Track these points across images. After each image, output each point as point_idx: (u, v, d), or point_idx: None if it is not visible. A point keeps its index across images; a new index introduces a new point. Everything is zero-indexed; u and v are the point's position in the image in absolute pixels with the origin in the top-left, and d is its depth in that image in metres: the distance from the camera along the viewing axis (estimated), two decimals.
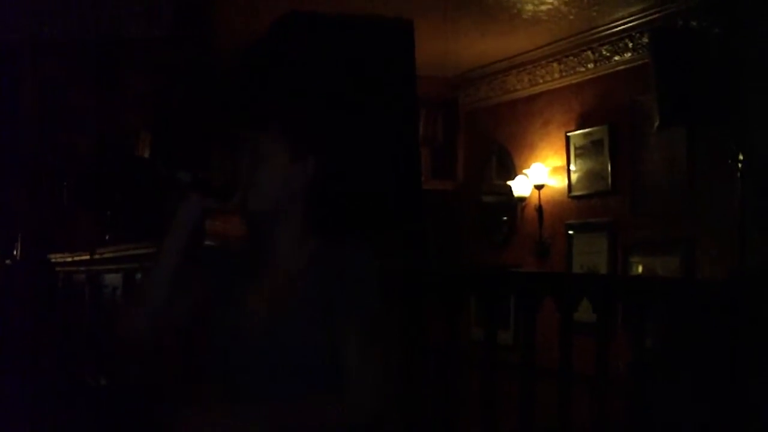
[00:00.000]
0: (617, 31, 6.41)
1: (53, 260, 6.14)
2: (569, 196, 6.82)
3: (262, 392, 1.93)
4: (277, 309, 1.96)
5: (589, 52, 6.72)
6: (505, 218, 7.48)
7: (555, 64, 7.08)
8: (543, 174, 6.98)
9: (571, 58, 6.90)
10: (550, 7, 6.20)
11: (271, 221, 2.00)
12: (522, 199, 7.16)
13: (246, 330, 1.96)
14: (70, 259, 5.90)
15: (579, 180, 6.74)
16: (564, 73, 7.00)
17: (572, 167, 6.79)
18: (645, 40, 6.08)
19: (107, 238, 5.60)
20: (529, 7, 6.22)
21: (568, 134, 6.85)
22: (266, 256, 2.02)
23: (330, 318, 1.94)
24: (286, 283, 1.99)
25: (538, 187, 6.99)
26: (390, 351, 2.09)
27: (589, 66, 6.76)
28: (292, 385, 1.93)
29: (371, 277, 2.01)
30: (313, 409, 1.92)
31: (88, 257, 5.50)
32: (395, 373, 3.84)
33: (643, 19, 6.14)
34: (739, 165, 5.26)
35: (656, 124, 5.46)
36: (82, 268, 5.72)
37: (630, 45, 6.37)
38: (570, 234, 6.77)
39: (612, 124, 6.47)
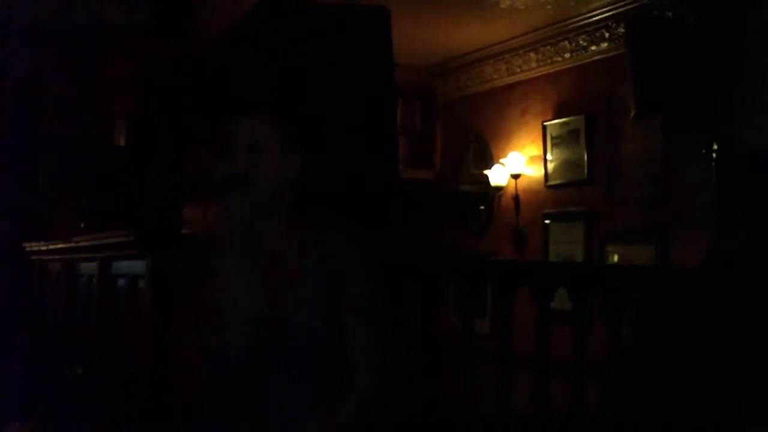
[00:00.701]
0: (594, 21, 6.43)
1: (28, 249, 6.10)
2: (546, 186, 6.84)
3: (259, 379, 1.94)
4: (272, 296, 1.97)
5: (566, 42, 6.74)
6: (482, 207, 7.50)
7: (532, 54, 7.09)
8: (520, 163, 7.00)
9: (548, 47, 6.91)
10: None
11: (264, 209, 1.99)
12: (499, 188, 7.18)
13: (238, 319, 1.96)
14: (45, 248, 5.86)
15: (555, 169, 6.76)
16: (541, 63, 7.02)
17: (549, 156, 6.81)
18: (621, 30, 6.10)
19: (83, 226, 5.56)
20: None
21: (545, 124, 6.87)
22: (255, 243, 2.02)
23: (327, 303, 1.95)
24: (279, 270, 2.00)
25: (515, 177, 7.01)
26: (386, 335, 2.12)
27: (566, 56, 6.77)
28: (290, 368, 1.94)
29: (364, 262, 2.04)
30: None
31: (63, 245, 5.46)
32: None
33: (620, 9, 6.17)
34: (714, 154, 5.30)
35: (632, 113, 5.48)
36: (58, 257, 5.68)
37: (606, 35, 6.39)
38: (546, 223, 6.79)
39: (588, 114, 6.50)
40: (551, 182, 6.79)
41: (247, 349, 1.96)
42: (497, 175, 7.13)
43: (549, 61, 6.94)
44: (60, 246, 5.54)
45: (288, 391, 1.96)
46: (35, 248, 6.02)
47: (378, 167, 4.13)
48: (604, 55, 6.42)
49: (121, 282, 4.73)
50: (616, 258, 6.08)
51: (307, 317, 1.96)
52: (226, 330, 1.97)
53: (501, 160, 7.17)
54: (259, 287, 1.98)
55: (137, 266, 4.40)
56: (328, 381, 2.01)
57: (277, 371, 1.95)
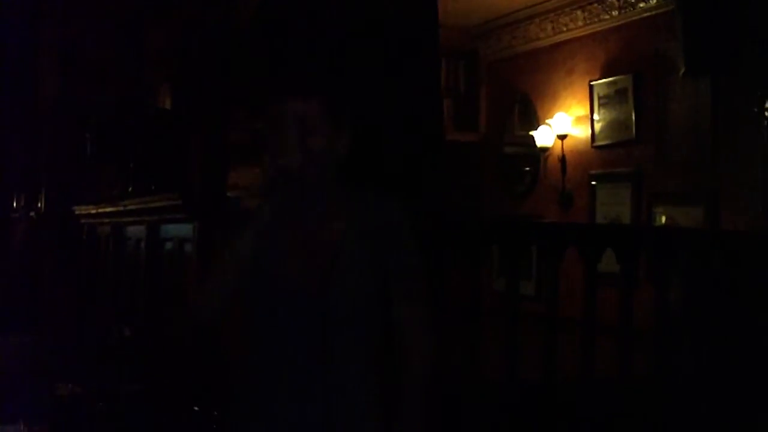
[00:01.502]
0: None
1: (77, 212, 6.18)
2: (592, 146, 6.76)
3: (303, 350, 1.94)
4: (317, 266, 1.96)
5: None
6: (527, 169, 7.44)
7: (579, 12, 6.98)
8: (566, 124, 6.92)
9: (595, 5, 6.80)
10: None
11: (314, 184, 1.98)
12: (545, 150, 7.11)
13: (293, 293, 1.96)
14: (94, 211, 5.93)
15: (602, 130, 6.68)
16: (588, 21, 6.91)
17: (596, 117, 6.73)
18: None
19: (130, 190, 5.62)
20: None
21: (592, 83, 6.77)
22: (304, 217, 2.01)
23: (373, 273, 1.95)
24: (325, 240, 1.99)
25: (561, 137, 6.93)
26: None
27: (613, 13, 6.66)
28: (334, 338, 1.94)
29: (408, 231, 2.03)
30: None
31: (111, 209, 5.52)
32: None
33: None
34: (765, 114, 5.20)
35: (681, 72, 5.39)
36: (106, 220, 5.75)
37: None
38: (593, 184, 6.73)
39: (636, 73, 6.39)
40: (598, 143, 6.71)
41: (290, 319, 1.96)
42: (543, 137, 7.06)
43: (596, 19, 6.83)
44: (108, 209, 5.61)
45: (333, 362, 1.95)
46: (84, 212, 6.10)
47: (422, 130, 4.11)
48: (653, 12, 6.29)
49: (169, 245, 4.78)
50: (663, 219, 6.01)
51: (353, 288, 1.95)
52: (270, 299, 1.97)
53: (547, 121, 7.10)
54: (304, 258, 1.97)
55: (184, 229, 4.45)
56: (375, 353, 2.00)
57: (320, 342, 1.94)
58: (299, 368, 1.95)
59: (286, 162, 1.93)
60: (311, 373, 1.95)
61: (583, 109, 6.87)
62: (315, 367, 1.95)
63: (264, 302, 1.99)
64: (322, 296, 1.95)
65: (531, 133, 7.19)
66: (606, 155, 6.65)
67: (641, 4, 6.41)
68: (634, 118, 6.38)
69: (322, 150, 1.97)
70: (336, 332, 1.94)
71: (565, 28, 7.15)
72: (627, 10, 6.53)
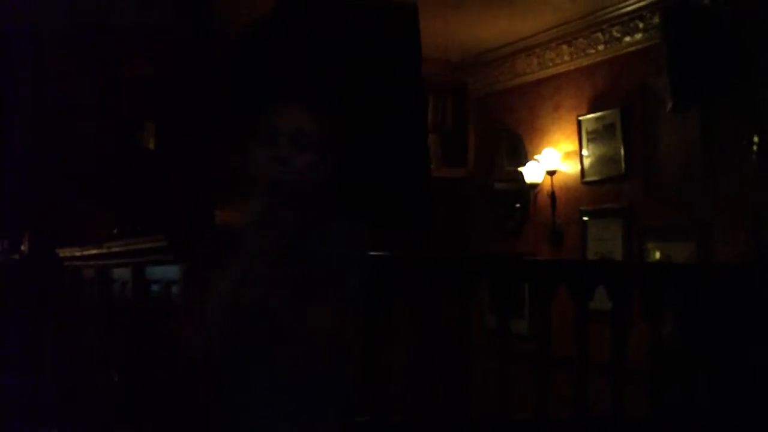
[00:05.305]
0: (628, 11, 6.31)
1: (61, 255, 6.10)
2: (582, 182, 6.73)
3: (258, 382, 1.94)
4: (278, 293, 1.93)
5: (600, 34, 6.62)
6: (517, 205, 7.40)
7: (564, 47, 6.98)
8: (555, 159, 6.90)
9: (581, 40, 6.80)
10: None
11: (292, 208, 1.95)
12: (534, 186, 7.08)
13: (243, 317, 1.94)
14: (78, 254, 5.85)
15: (592, 165, 6.65)
16: (574, 56, 6.91)
17: (585, 152, 6.70)
18: (656, 20, 5.98)
19: (115, 232, 5.56)
20: None
21: (580, 118, 6.76)
22: (275, 240, 1.96)
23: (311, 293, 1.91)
24: (292, 267, 1.95)
25: (551, 173, 6.90)
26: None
27: (599, 48, 6.66)
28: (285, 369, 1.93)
29: (355, 260, 2.00)
30: None
31: (96, 251, 5.45)
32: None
33: None
34: (754, 147, 5.18)
35: (669, 106, 5.37)
36: (91, 263, 5.68)
37: (641, 25, 6.27)
38: (584, 220, 6.68)
39: (624, 107, 6.38)
40: (588, 178, 6.68)
41: (245, 347, 1.95)
42: (532, 172, 7.02)
43: (582, 54, 6.83)
44: (93, 252, 5.54)
45: (285, 391, 1.95)
46: (68, 254, 6.02)
47: (408, 166, 4.07)
48: (639, 47, 6.29)
49: (155, 287, 4.71)
50: (657, 255, 5.96)
51: (305, 317, 1.91)
52: (231, 327, 1.94)
53: (536, 157, 7.07)
54: (269, 284, 1.94)
55: (171, 271, 4.38)
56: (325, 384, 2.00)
57: (272, 372, 1.94)
58: (267, 393, 1.96)
59: (277, 174, 1.92)
60: (279, 400, 1.95)
61: (571, 145, 6.84)
62: (283, 392, 1.95)
63: (234, 327, 1.96)
64: (290, 320, 1.92)
65: (520, 169, 7.15)
66: (596, 191, 6.62)
67: (627, 38, 6.41)
68: (623, 152, 6.35)
69: (311, 168, 1.97)
70: (302, 361, 1.94)
71: (551, 63, 7.15)
72: (613, 44, 6.53)
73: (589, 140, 6.67)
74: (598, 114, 6.60)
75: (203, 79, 4.56)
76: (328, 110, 2.08)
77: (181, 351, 2.04)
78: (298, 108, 2.01)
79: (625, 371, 3.94)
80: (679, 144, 5.93)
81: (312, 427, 1.97)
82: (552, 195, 6.89)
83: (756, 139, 5.19)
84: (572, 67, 6.95)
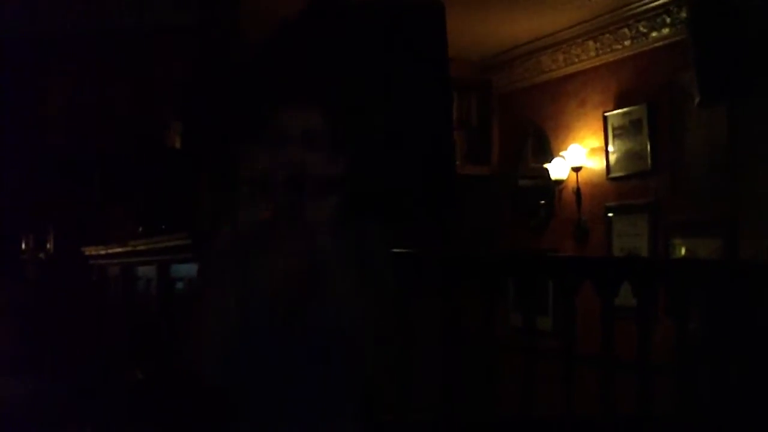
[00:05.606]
0: (654, 6, 6.25)
1: (87, 253, 6.14)
2: (608, 178, 6.69)
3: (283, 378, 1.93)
4: (299, 293, 1.94)
5: (626, 29, 6.57)
6: (542, 202, 7.36)
7: (590, 42, 6.94)
8: (581, 155, 6.86)
9: (607, 35, 6.75)
10: None
11: (308, 205, 1.94)
12: (559, 182, 7.04)
13: (263, 316, 1.93)
14: (103, 252, 5.89)
15: (618, 161, 6.60)
16: (600, 51, 6.86)
17: (610, 148, 6.66)
18: (683, 14, 5.92)
19: (140, 230, 5.58)
20: None
21: (606, 114, 6.71)
22: (293, 238, 1.96)
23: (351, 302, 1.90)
24: (312, 266, 1.95)
25: (576, 170, 6.86)
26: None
27: (625, 43, 6.61)
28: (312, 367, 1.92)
29: (381, 263, 1.99)
30: None
31: (121, 249, 5.48)
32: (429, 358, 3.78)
33: None
34: None
35: (696, 101, 5.32)
36: (116, 261, 5.71)
37: (668, 20, 6.21)
38: (609, 216, 6.64)
39: (651, 103, 6.32)
40: (613, 174, 6.63)
41: (269, 348, 1.94)
42: (557, 169, 6.99)
43: (608, 50, 6.78)
44: (118, 250, 5.57)
45: (311, 390, 1.94)
46: (94, 252, 6.06)
47: (434, 164, 4.06)
48: (666, 41, 6.24)
49: (179, 285, 4.73)
50: (683, 251, 5.91)
51: (330, 317, 1.92)
52: (252, 327, 1.93)
53: (561, 153, 7.03)
54: (288, 285, 1.94)
55: (195, 269, 4.39)
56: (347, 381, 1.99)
57: (299, 370, 1.93)
58: (288, 392, 1.94)
59: (288, 172, 1.91)
60: (300, 398, 1.94)
61: (597, 141, 6.80)
62: (305, 391, 1.94)
63: (251, 326, 1.95)
64: (305, 322, 1.92)
65: (545, 165, 7.12)
66: (622, 187, 6.57)
67: (653, 34, 6.36)
68: (649, 148, 6.30)
69: (316, 161, 1.95)
70: (319, 356, 1.93)
71: (577, 59, 7.11)
72: (639, 39, 6.48)
73: (615, 136, 6.63)
74: (625, 110, 6.55)
75: (229, 78, 4.57)
76: (343, 113, 2.07)
77: (200, 345, 2.03)
78: (320, 107, 2.00)
79: (650, 368, 3.91)
80: (706, 139, 5.87)
81: (334, 424, 1.96)
82: (577, 191, 6.85)
83: None
84: (598, 63, 6.90)
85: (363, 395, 2.04)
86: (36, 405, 5.52)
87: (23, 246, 6.87)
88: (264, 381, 1.95)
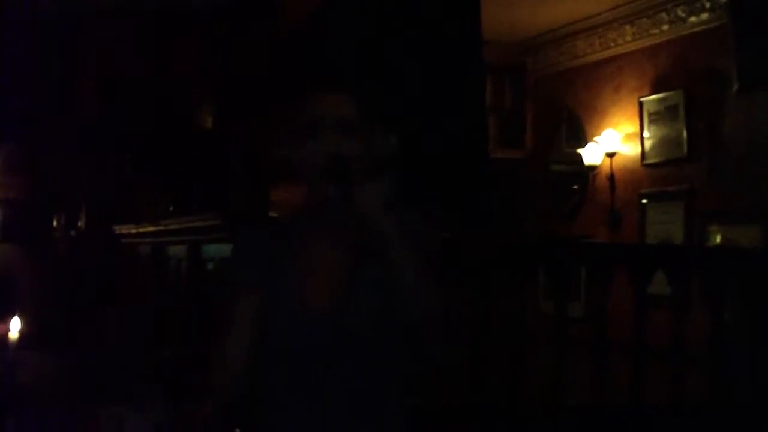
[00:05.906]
0: None
1: (118, 232, 6.17)
2: (642, 164, 6.61)
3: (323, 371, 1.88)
4: (342, 286, 1.91)
5: (664, 14, 6.48)
6: (575, 187, 7.29)
7: (627, 27, 6.85)
8: (615, 141, 6.78)
9: (645, 19, 6.66)
10: None
11: (350, 190, 1.90)
12: (593, 168, 6.97)
13: (309, 311, 1.90)
14: (134, 231, 5.91)
15: (653, 147, 6.52)
16: (637, 36, 6.77)
17: (646, 134, 6.58)
18: None
19: (171, 209, 5.59)
20: None
21: (642, 100, 6.63)
22: (340, 225, 1.94)
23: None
24: (348, 257, 1.93)
25: (610, 155, 6.79)
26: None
27: (663, 28, 6.52)
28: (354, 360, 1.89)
29: (436, 248, 1.96)
30: None
31: (152, 229, 5.50)
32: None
33: None
34: None
35: (735, 87, 5.25)
36: (147, 240, 5.73)
37: (707, 5, 6.11)
38: (643, 203, 6.57)
39: (688, 89, 6.23)
40: (648, 160, 6.56)
41: (305, 338, 1.90)
42: (591, 154, 6.92)
43: (645, 34, 6.69)
44: (149, 229, 5.59)
45: (352, 385, 1.89)
46: (125, 231, 6.09)
47: (466, 147, 4.03)
48: (705, 27, 6.14)
49: (210, 265, 4.74)
50: (718, 239, 5.83)
51: (369, 306, 1.89)
52: (286, 318, 1.90)
53: (595, 138, 6.96)
54: (322, 274, 1.91)
55: (226, 249, 4.39)
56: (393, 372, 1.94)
57: (340, 363, 1.89)
58: (315, 388, 1.90)
59: (318, 148, 1.87)
60: (328, 394, 1.89)
61: (632, 126, 6.72)
62: (331, 388, 1.89)
63: (281, 322, 1.92)
64: (338, 314, 1.89)
65: (579, 150, 7.05)
66: (657, 173, 6.50)
67: (692, 18, 6.26)
68: (685, 135, 6.22)
69: (355, 146, 1.90)
70: (353, 351, 1.89)
71: (613, 44, 7.03)
72: (677, 24, 6.39)
73: (650, 122, 6.54)
74: (661, 95, 6.46)
75: (263, 61, 4.56)
76: (380, 96, 2.04)
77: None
78: (357, 91, 1.96)
79: (684, 358, 3.86)
80: (744, 126, 5.78)
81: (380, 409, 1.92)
82: (611, 177, 6.78)
83: None
84: (634, 48, 6.81)
85: (408, 381, 2.00)
86: (65, 381, 5.56)
87: (54, 224, 6.92)
88: (303, 366, 1.91)
